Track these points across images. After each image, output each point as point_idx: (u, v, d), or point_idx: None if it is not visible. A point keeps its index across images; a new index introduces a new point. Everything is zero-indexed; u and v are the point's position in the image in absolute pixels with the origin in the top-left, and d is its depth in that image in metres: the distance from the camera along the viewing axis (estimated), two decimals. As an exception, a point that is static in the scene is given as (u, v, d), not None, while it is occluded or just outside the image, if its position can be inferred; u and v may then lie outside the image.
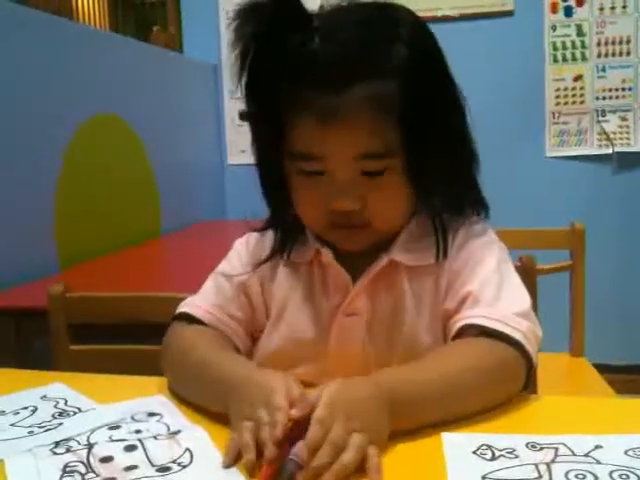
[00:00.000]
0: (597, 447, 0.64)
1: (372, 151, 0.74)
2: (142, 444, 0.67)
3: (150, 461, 0.64)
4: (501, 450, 0.63)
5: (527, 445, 0.64)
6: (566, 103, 2.93)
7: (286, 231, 0.87)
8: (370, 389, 0.65)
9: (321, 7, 0.79)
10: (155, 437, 0.69)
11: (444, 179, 0.80)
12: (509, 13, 2.95)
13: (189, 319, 0.89)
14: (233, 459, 0.62)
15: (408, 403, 0.67)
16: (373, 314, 0.83)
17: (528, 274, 1.14)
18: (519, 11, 2.94)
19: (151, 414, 0.76)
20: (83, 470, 0.62)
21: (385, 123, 0.73)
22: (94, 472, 0.62)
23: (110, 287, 1.55)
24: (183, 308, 0.90)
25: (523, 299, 0.80)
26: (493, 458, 0.62)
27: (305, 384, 0.73)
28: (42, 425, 0.75)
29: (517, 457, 0.62)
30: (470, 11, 2.95)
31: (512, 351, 0.74)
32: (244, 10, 0.74)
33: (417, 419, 0.67)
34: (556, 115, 2.94)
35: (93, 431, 0.71)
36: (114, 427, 0.72)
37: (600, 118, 2.91)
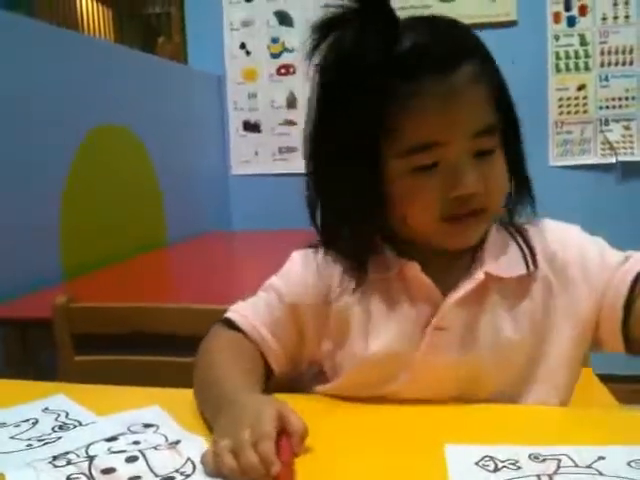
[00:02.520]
0: (600, 458, 0.63)
1: (485, 126, 0.76)
2: (143, 455, 0.67)
3: (153, 471, 0.64)
4: (503, 461, 0.63)
5: (530, 456, 0.64)
6: (569, 112, 2.94)
7: (365, 252, 0.83)
8: None
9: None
10: (155, 448, 0.69)
11: (522, 166, 0.82)
12: (512, 23, 2.96)
13: (232, 325, 0.88)
14: (210, 467, 0.63)
15: None
16: (465, 328, 0.80)
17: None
18: (522, 21, 2.95)
19: (147, 425, 0.76)
20: None
21: (490, 101, 0.76)
22: None
23: (115, 297, 1.55)
24: (230, 314, 0.89)
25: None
26: (496, 469, 0.62)
27: (395, 398, 0.79)
28: (41, 438, 0.74)
29: (520, 468, 0.62)
30: (474, 21, 2.95)
31: None
32: (328, 21, 0.75)
33: None
34: (559, 124, 2.95)
35: (91, 443, 0.71)
36: (111, 439, 0.72)
37: (603, 127, 2.91)
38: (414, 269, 0.80)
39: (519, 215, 0.85)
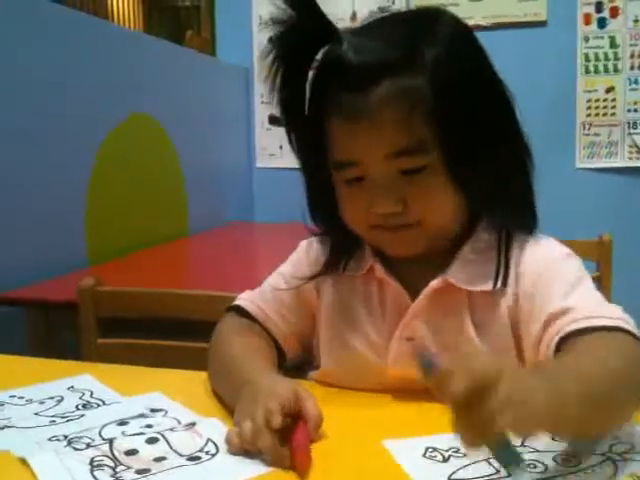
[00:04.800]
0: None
1: (403, 147, 0.73)
2: (163, 436, 0.68)
3: (176, 451, 0.65)
4: (447, 450, 0.64)
5: None
6: (597, 115, 2.91)
7: (340, 244, 0.85)
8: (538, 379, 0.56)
9: (369, 15, 0.80)
10: (171, 430, 0.70)
11: (489, 179, 0.77)
12: (542, 23, 2.94)
13: (242, 313, 0.89)
14: (236, 447, 0.64)
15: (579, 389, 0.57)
16: (433, 340, 0.79)
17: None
18: (552, 22, 2.93)
19: (154, 410, 0.77)
20: (111, 464, 0.63)
21: (415, 118, 0.72)
22: (124, 465, 0.63)
23: (138, 283, 1.57)
24: (239, 301, 0.91)
25: (615, 306, 0.74)
26: (445, 460, 0.63)
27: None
28: (64, 415, 0.76)
29: (465, 455, 0.62)
30: (503, 20, 2.94)
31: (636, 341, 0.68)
32: (272, 25, 0.75)
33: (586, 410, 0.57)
34: (587, 126, 2.92)
35: (103, 427, 0.72)
36: (123, 423, 0.73)
37: (631, 130, 2.88)
38: (380, 271, 0.81)
39: (516, 227, 0.82)
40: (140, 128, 2.40)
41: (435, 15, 0.78)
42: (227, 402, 0.77)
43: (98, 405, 0.79)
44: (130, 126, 2.32)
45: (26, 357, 1.03)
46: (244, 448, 0.64)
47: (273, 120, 3.24)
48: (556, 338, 0.72)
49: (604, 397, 0.59)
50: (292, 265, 0.91)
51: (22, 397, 0.82)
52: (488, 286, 0.78)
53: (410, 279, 0.81)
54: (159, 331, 1.22)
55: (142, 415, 0.75)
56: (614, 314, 0.71)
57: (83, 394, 0.83)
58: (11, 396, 0.82)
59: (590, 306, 0.73)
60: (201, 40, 3.61)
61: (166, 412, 0.76)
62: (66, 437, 0.69)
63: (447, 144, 0.73)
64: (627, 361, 0.64)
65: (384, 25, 0.78)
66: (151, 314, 1.21)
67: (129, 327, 1.27)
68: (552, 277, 0.78)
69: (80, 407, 0.79)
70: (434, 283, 0.78)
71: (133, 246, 2.28)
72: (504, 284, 0.78)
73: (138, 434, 0.69)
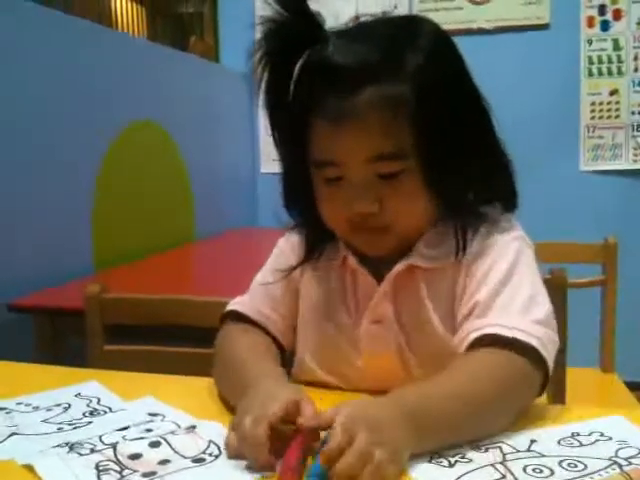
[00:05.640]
0: (532, 442, 0.66)
1: (384, 152, 0.75)
2: (165, 440, 0.69)
3: (180, 454, 0.65)
4: (452, 456, 0.64)
5: (472, 448, 0.65)
6: (601, 117, 2.91)
7: (314, 235, 0.88)
8: (390, 407, 0.64)
9: (356, 18, 0.81)
10: (172, 433, 0.70)
11: (462, 184, 0.80)
12: (545, 26, 2.94)
13: (238, 317, 0.91)
14: (232, 453, 0.65)
15: (432, 421, 0.65)
16: (398, 321, 0.84)
17: (559, 288, 1.13)
18: (555, 24, 2.93)
19: (152, 414, 0.77)
20: (117, 468, 0.63)
21: (396, 125, 0.74)
22: (130, 469, 0.63)
23: (144, 290, 1.58)
24: (233, 306, 0.93)
25: (540, 304, 0.77)
26: (451, 465, 0.63)
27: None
28: (71, 423, 0.76)
29: (471, 461, 0.63)
30: (506, 24, 2.94)
31: (528, 359, 0.72)
32: (264, 24, 0.77)
33: (441, 438, 0.65)
34: (591, 129, 2.92)
35: (104, 434, 0.72)
36: (123, 429, 0.73)
37: (635, 133, 2.88)
38: (353, 261, 0.85)
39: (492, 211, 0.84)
40: (145, 134, 2.41)
41: (417, 23, 0.80)
42: (232, 404, 0.77)
43: (105, 412, 0.79)
44: (135, 132, 2.33)
45: (32, 364, 1.03)
46: (229, 453, 0.65)
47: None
48: (470, 337, 0.75)
49: (460, 421, 0.67)
50: (275, 259, 0.94)
51: (29, 404, 0.82)
52: (448, 260, 0.82)
53: (379, 267, 0.84)
54: (166, 338, 1.23)
55: (141, 420, 0.75)
56: (528, 327, 0.74)
57: (90, 401, 0.83)
58: (18, 403, 0.82)
59: (512, 311, 0.76)
60: (204, 46, 3.62)
61: (164, 416, 0.76)
62: (67, 443, 0.69)
63: (425, 151, 0.75)
64: (500, 386, 0.70)
65: (369, 29, 0.79)
66: (158, 321, 1.21)
67: (135, 334, 1.27)
68: (492, 261, 0.80)
69: (87, 414, 0.79)
70: (397, 267, 0.82)
71: (139, 252, 2.29)
72: (464, 253, 0.81)
73: (139, 438, 0.69)
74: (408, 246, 0.83)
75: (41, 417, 0.78)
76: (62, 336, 1.68)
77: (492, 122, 0.82)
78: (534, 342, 0.73)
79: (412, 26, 0.79)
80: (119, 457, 0.65)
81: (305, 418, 0.63)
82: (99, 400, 0.83)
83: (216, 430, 0.71)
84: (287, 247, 0.93)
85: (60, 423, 0.76)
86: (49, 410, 0.80)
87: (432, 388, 0.69)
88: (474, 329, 0.76)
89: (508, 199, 0.85)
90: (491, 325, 0.75)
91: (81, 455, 0.66)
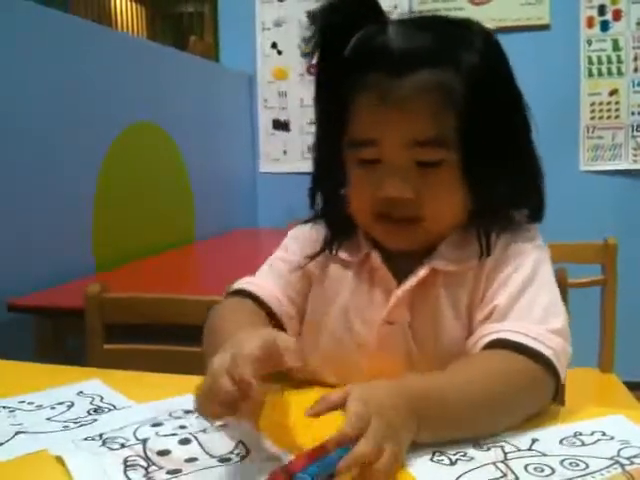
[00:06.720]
0: (534, 441, 0.66)
1: (427, 137, 0.74)
2: (195, 437, 0.69)
3: (208, 453, 0.66)
4: (454, 454, 0.64)
5: (474, 446, 0.65)
6: (601, 117, 2.91)
7: (336, 226, 0.86)
8: (397, 391, 0.63)
9: (410, 12, 0.83)
10: (203, 431, 0.70)
11: (497, 183, 0.79)
12: (545, 27, 2.94)
13: (244, 295, 0.88)
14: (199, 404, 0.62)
15: (436, 412, 0.65)
16: (412, 323, 0.82)
17: (559, 287, 1.13)
18: (555, 25, 2.93)
19: (187, 411, 0.77)
20: (144, 464, 0.63)
21: (444, 113, 0.74)
22: (156, 465, 0.63)
23: (145, 290, 1.58)
24: (240, 285, 0.90)
25: (558, 314, 0.77)
26: (452, 463, 0.62)
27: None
28: (77, 421, 0.76)
29: (472, 459, 0.63)
30: (506, 24, 2.94)
31: (541, 367, 0.72)
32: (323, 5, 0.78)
33: (442, 430, 0.65)
34: (591, 129, 2.93)
35: (138, 428, 0.72)
36: (157, 424, 0.73)
37: (635, 133, 2.88)
38: (377, 259, 0.83)
39: (515, 219, 0.84)
40: (145, 134, 2.41)
41: (468, 25, 0.81)
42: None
43: (109, 410, 0.80)
44: (135, 133, 2.33)
45: (33, 363, 1.03)
46: (196, 400, 0.62)
47: (278, 125, 3.25)
48: (485, 339, 0.75)
49: (464, 421, 0.67)
50: (287, 248, 0.92)
51: (32, 403, 0.82)
52: (470, 264, 0.80)
53: (399, 266, 0.83)
54: (166, 337, 1.23)
55: (176, 416, 0.75)
56: (545, 337, 0.73)
57: (93, 399, 0.83)
58: (20, 402, 0.82)
59: (529, 318, 0.75)
60: (204, 46, 3.63)
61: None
62: (101, 437, 0.70)
63: (470, 144, 0.75)
64: (511, 387, 0.70)
65: (426, 22, 0.81)
66: (157, 320, 1.21)
67: (135, 333, 1.27)
68: (513, 269, 0.80)
69: (92, 412, 0.79)
70: (421, 272, 0.80)
71: (140, 253, 2.29)
72: (488, 254, 0.80)
73: (171, 435, 0.70)
74: (430, 246, 0.81)
75: (46, 415, 0.78)
76: (62, 336, 1.68)
77: (531, 128, 0.82)
78: (549, 353, 0.72)
79: (467, 27, 0.80)
80: (148, 453, 0.66)
81: (290, 358, 0.61)
82: (102, 398, 0.83)
83: (246, 429, 0.70)
84: (300, 236, 0.91)
85: (65, 421, 0.76)
86: (53, 408, 0.80)
87: (443, 380, 0.69)
88: (490, 332, 0.75)
89: (535, 209, 0.85)
90: (507, 330, 0.74)
91: (111, 450, 0.67)
